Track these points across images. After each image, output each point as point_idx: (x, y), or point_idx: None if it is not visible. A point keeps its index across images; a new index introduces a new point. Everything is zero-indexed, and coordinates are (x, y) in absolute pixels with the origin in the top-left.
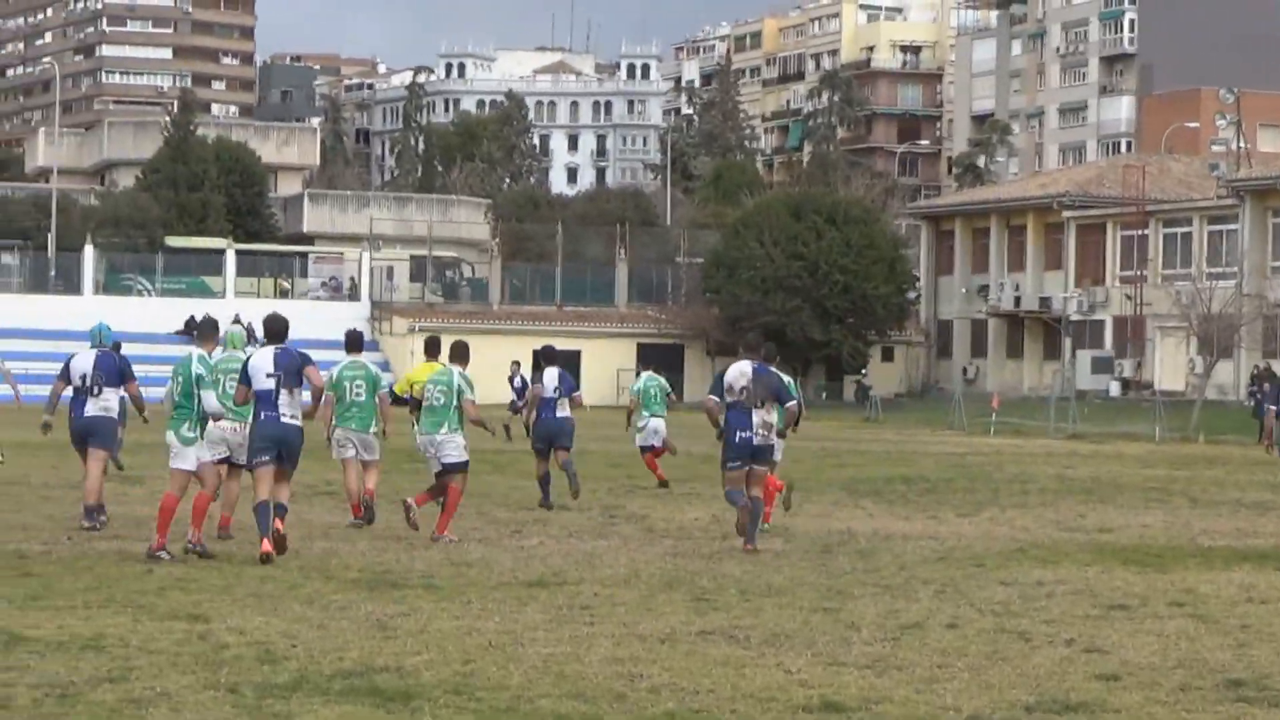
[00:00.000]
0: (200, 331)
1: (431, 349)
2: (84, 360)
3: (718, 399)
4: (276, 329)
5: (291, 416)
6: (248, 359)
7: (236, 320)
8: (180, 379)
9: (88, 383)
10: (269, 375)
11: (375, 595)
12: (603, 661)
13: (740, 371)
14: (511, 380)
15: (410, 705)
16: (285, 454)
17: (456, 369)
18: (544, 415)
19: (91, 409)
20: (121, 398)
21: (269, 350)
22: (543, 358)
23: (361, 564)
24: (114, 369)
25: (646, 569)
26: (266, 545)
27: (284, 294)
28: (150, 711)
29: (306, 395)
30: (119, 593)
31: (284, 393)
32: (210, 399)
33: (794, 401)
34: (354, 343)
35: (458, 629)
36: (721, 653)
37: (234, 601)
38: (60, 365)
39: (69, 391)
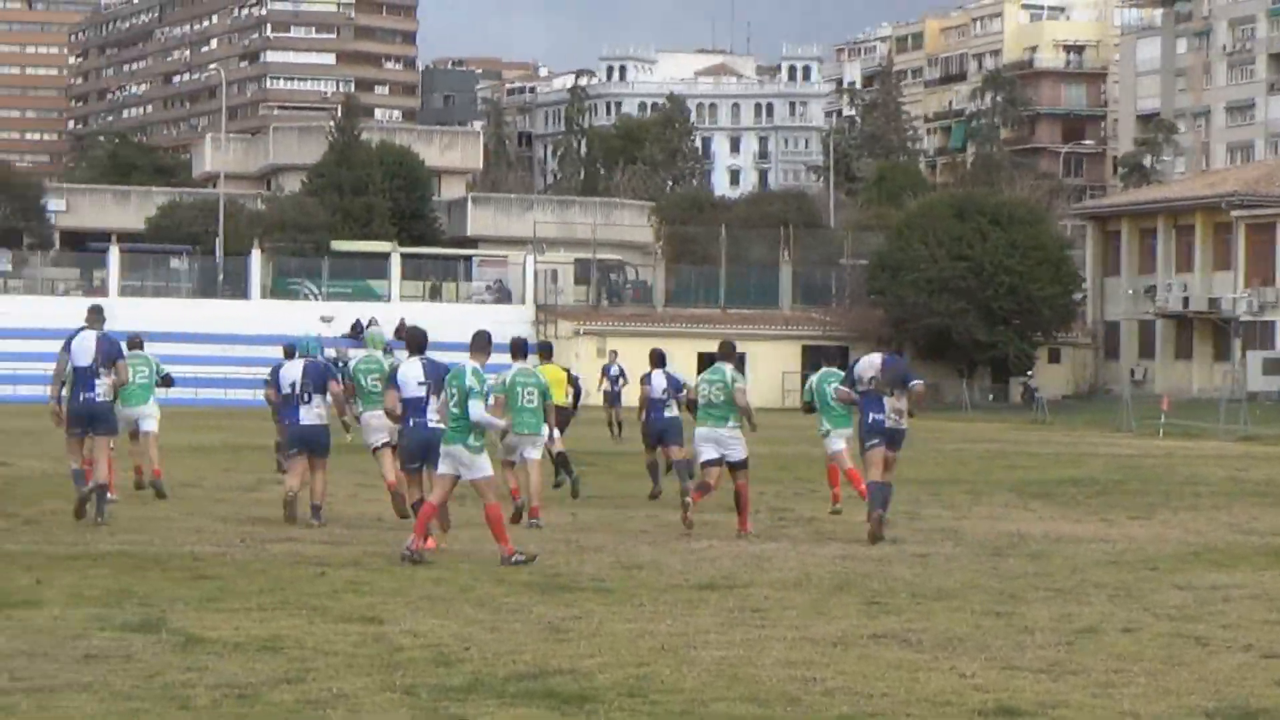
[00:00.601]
0: (474, 343)
1: (518, 350)
2: (293, 369)
3: (847, 388)
4: (418, 340)
5: (437, 422)
6: (396, 368)
7: (373, 322)
8: (456, 391)
9: (297, 390)
10: (420, 384)
11: (547, 598)
12: (776, 665)
13: (869, 363)
14: (607, 370)
15: (585, 708)
16: (430, 457)
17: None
18: (653, 415)
19: (306, 417)
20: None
21: (416, 361)
22: (651, 360)
23: (532, 567)
24: (321, 376)
25: (817, 572)
26: (431, 543)
27: (437, 295)
28: (328, 713)
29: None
30: (293, 595)
31: (432, 399)
32: (478, 409)
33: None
34: (519, 350)
35: (630, 631)
36: (895, 656)
37: (407, 604)
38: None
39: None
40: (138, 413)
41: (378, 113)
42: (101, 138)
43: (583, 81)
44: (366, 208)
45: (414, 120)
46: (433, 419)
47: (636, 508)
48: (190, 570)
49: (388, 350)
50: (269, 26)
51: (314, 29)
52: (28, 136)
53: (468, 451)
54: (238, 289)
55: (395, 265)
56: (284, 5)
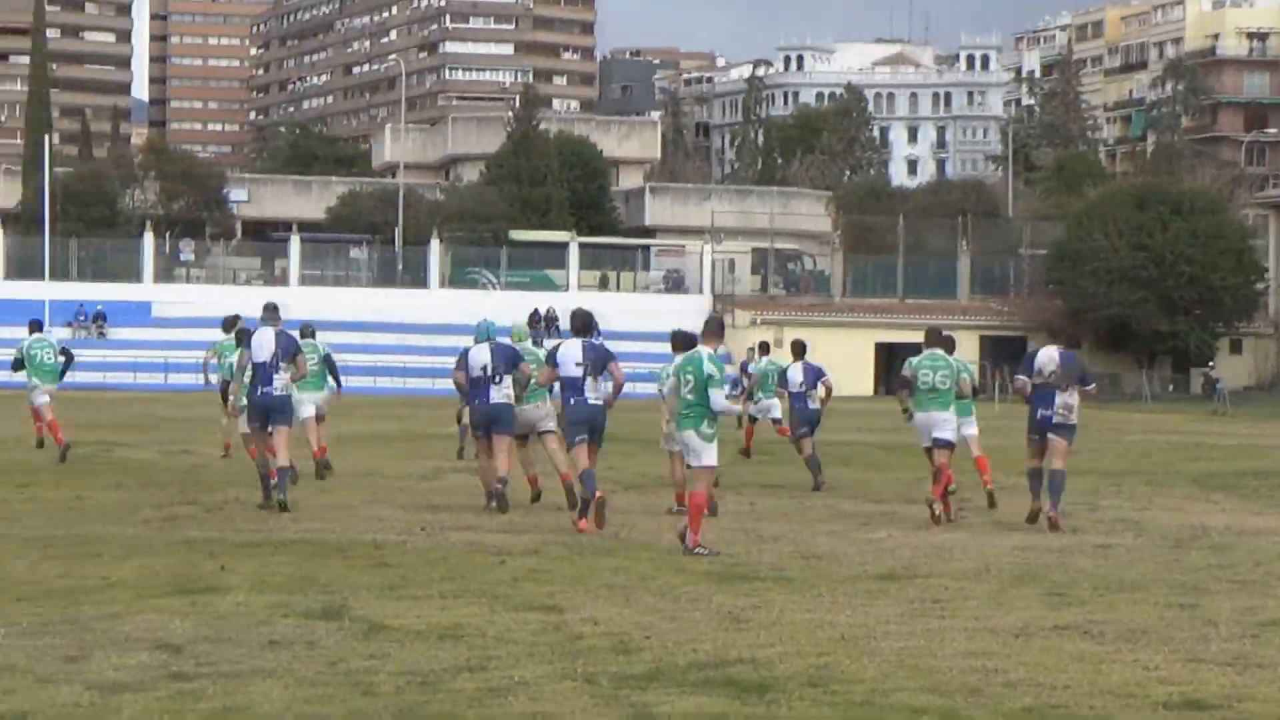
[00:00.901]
0: (706, 329)
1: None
2: (482, 352)
3: (1026, 378)
4: (582, 322)
5: (597, 399)
6: (556, 346)
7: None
8: (692, 378)
9: (489, 372)
10: (578, 364)
11: (726, 587)
12: (957, 655)
13: (1049, 356)
14: (745, 366)
15: (766, 697)
16: (594, 432)
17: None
18: (796, 406)
19: (495, 396)
20: None
21: (577, 342)
22: (793, 352)
23: (713, 557)
24: (512, 357)
25: (997, 562)
26: (585, 524)
27: (613, 285)
28: (509, 700)
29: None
30: (474, 583)
31: (589, 380)
32: (718, 397)
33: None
34: (684, 342)
35: (810, 621)
36: (1077, 648)
37: (587, 593)
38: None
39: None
40: (308, 398)
41: (556, 103)
42: (282, 128)
43: (760, 71)
44: (545, 198)
45: (592, 110)
46: (590, 397)
47: (815, 497)
48: (372, 558)
49: (535, 340)
50: (448, 17)
51: (493, 19)
52: (210, 127)
53: (699, 439)
54: (417, 278)
55: (573, 255)
56: None
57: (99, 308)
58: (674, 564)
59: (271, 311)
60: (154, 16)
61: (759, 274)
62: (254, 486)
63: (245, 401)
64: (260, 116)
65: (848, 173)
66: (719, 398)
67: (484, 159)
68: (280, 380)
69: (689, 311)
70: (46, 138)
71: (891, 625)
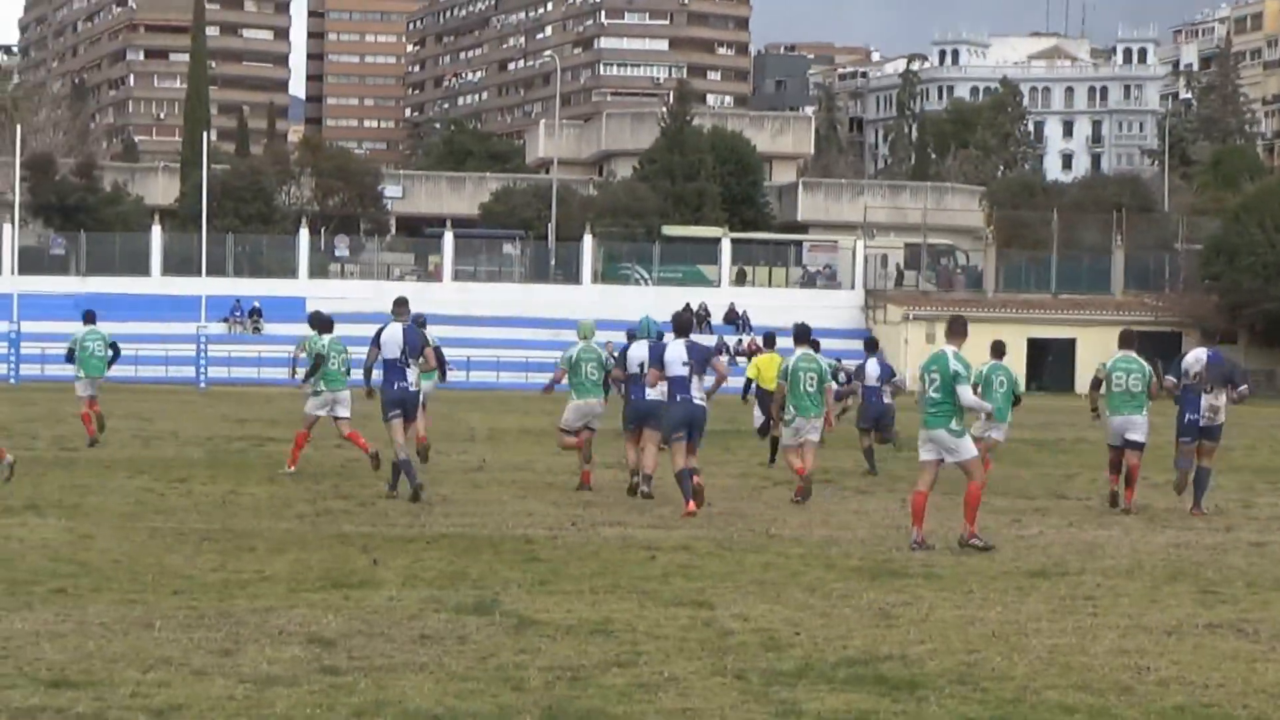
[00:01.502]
0: (951, 328)
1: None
2: (640, 349)
3: (1175, 380)
4: (683, 324)
5: (701, 399)
6: (664, 345)
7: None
8: (938, 376)
9: (645, 369)
10: (684, 364)
11: (876, 584)
12: (1108, 653)
13: (1196, 358)
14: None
15: (916, 694)
16: (694, 429)
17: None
18: (869, 400)
19: (652, 394)
20: None
21: (680, 342)
22: (866, 348)
23: (862, 552)
24: (660, 355)
25: (1150, 560)
26: (691, 506)
27: (740, 280)
28: (659, 696)
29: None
30: (624, 578)
31: (694, 379)
32: (967, 393)
33: (1245, 386)
34: (802, 336)
35: (960, 618)
36: (1230, 647)
37: (736, 588)
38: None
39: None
40: (341, 397)
41: (709, 98)
42: (437, 125)
43: (915, 66)
44: (697, 193)
45: (746, 106)
46: (697, 396)
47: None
48: (522, 553)
49: (660, 336)
50: (603, 13)
51: (647, 15)
52: (366, 124)
53: (950, 436)
54: (569, 274)
55: (726, 250)
56: None
57: (255, 303)
58: (824, 560)
59: (401, 306)
60: (311, 14)
61: (912, 269)
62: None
63: (319, 389)
64: (415, 113)
65: (1002, 168)
66: (967, 394)
67: (637, 155)
68: (412, 374)
69: (843, 307)
70: (205, 135)
71: (1042, 622)
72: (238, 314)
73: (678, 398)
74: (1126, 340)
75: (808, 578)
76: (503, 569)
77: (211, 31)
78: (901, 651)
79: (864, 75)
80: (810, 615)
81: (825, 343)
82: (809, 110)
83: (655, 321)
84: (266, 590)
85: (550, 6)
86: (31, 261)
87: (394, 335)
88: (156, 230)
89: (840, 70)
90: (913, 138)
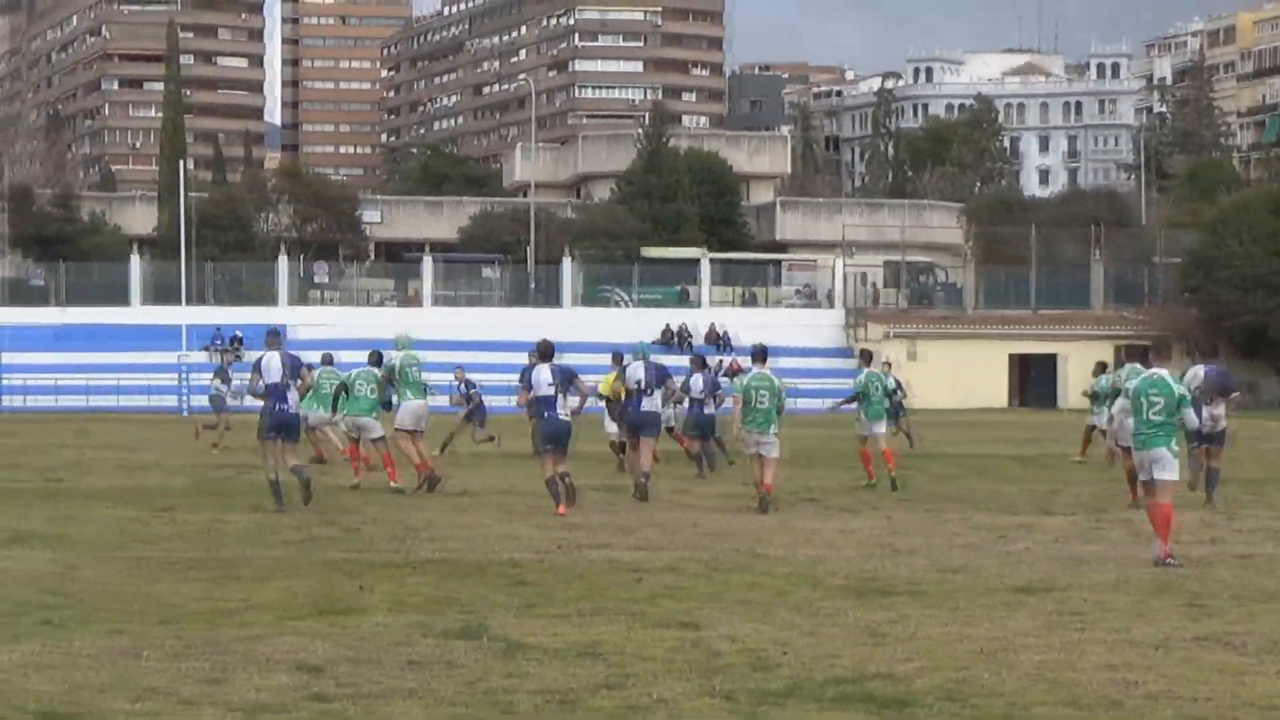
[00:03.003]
0: (1155, 351)
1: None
2: (637, 369)
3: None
4: (545, 350)
5: (566, 415)
6: (530, 368)
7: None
8: (1160, 399)
9: (643, 385)
10: (549, 384)
11: (863, 602)
12: (1096, 668)
13: (1194, 374)
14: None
15: (905, 712)
16: (560, 443)
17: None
18: (693, 410)
19: (646, 405)
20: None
21: (546, 366)
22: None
23: (848, 571)
24: (662, 373)
25: (1135, 574)
26: (562, 509)
27: (751, 300)
28: (649, 718)
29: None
30: (611, 601)
31: (560, 397)
32: (1191, 415)
33: (1236, 393)
34: (760, 355)
35: (947, 635)
36: (1218, 659)
37: (723, 609)
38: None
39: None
40: (364, 423)
41: (686, 119)
42: (414, 149)
43: (890, 84)
44: (676, 214)
45: (722, 126)
46: (562, 413)
47: (950, 510)
48: (509, 577)
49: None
50: (578, 36)
51: (621, 37)
52: (343, 150)
53: (1170, 454)
54: (550, 297)
55: (705, 271)
56: (592, 14)
57: (236, 332)
58: (810, 579)
59: (273, 337)
60: (286, 41)
61: (892, 287)
62: (390, 505)
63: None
64: (392, 138)
65: (979, 184)
66: (1191, 415)
67: (615, 176)
68: (293, 398)
69: (823, 325)
70: (182, 163)
71: (1030, 638)
72: (219, 342)
73: (544, 414)
74: (1145, 355)
75: (795, 597)
76: (489, 593)
77: (186, 60)
78: (890, 669)
79: (839, 94)
80: (798, 634)
81: (808, 361)
82: (785, 129)
83: (650, 345)
84: (254, 618)
85: (525, 30)
86: (11, 293)
87: (272, 361)
88: (135, 259)
89: (815, 89)
90: (889, 155)
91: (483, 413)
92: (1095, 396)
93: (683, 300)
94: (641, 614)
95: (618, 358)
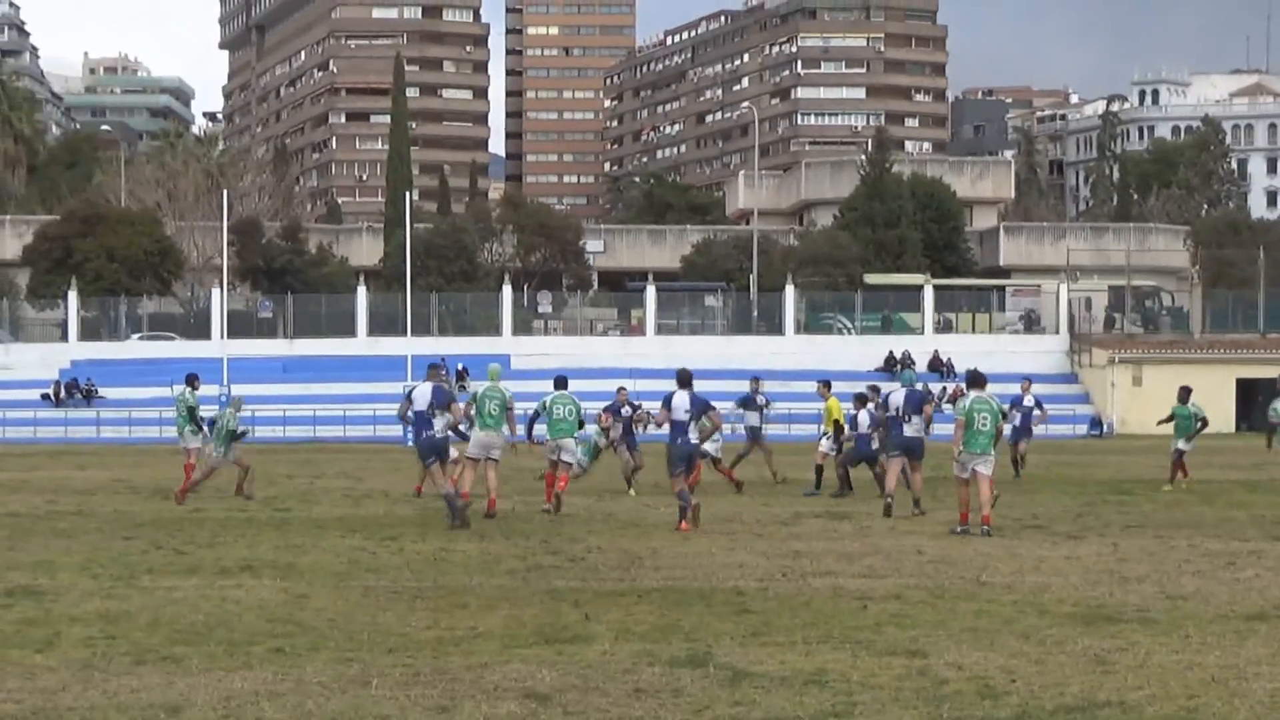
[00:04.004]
0: None
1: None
2: (897, 396)
3: None
4: (684, 378)
5: (695, 439)
6: (670, 394)
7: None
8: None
9: (900, 412)
10: (686, 411)
11: (1091, 630)
12: None
13: None
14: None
15: None
16: (689, 464)
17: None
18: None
19: (908, 430)
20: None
21: (684, 393)
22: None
23: (1075, 598)
24: (919, 399)
25: None
26: (685, 525)
27: (946, 327)
28: None
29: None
30: (836, 628)
31: (692, 424)
32: None
33: None
34: (976, 381)
35: (1178, 663)
36: None
37: (950, 636)
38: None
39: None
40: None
41: (908, 145)
42: (637, 178)
43: (1114, 107)
44: (899, 240)
45: (944, 151)
46: (693, 438)
47: (1179, 537)
48: (734, 605)
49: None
50: (799, 63)
51: (844, 64)
52: (565, 180)
53: None
54: (772, 324)
55: (928, 297)
56: (815, 41)
57: (460, 365)
58: (1037, 606)
59: (433, 369)
60: (509, 73)
61: (1116, 312)
62: (614, 534)
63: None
64: (614, 167)
65: (1205, 206)
66: None
67: (837, 203)
68: (439, 424)
69: (1046, 351)
70: (407, 195)
71: (1263, 666)
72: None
73: (677, 440)
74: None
75: (1021, 624)
76: (714, 621)
77: (411, 93)
78: (1120, 698)
79: (1063, 117)
80: (1025, 662)
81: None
82: (1008, 154)
83: (915, 372)
84: (480, 646)
85: (747, 58)
86: (240, 325)
87: (423, 392)
88: (362, 291)
89: (1039, 113)
90: (1114, 179)
91: (633, 439)
92: None
93: (904, 327)
94: (867, 642)
95: (825, 385)
